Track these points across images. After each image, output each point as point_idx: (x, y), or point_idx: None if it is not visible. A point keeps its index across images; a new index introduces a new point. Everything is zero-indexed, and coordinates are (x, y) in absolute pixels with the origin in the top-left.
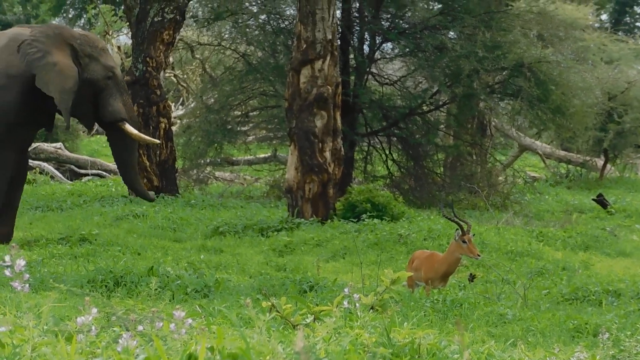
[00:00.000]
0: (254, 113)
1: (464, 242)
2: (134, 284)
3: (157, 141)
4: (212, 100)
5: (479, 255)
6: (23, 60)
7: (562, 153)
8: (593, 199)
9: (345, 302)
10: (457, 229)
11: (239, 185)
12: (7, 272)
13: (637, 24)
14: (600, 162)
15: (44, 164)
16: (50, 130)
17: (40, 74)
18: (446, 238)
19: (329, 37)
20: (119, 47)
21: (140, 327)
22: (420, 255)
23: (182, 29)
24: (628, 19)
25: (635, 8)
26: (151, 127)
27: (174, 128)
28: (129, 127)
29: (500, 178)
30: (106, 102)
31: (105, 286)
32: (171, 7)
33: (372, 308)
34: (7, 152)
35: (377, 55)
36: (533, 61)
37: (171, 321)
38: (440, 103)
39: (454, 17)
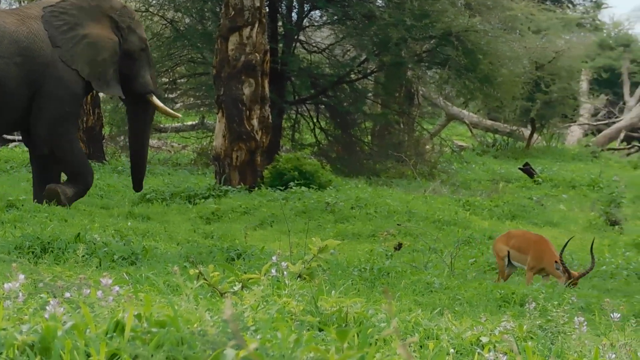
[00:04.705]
0: (182, 80)
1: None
2: (61, 251)
3: (179, 115)
4: None
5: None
6: (47, 32)
7: (489, 122)
8: (520, 168)
9: (273, 270)
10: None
11: (167, 152)
12: None
13: None
14: (527, 131)
15: None
16: None
17: (66, 47)
18: (373, 207)
19: (257, 4)
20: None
21: (67, 294)
22: (530, 237)
23: None
24: None
25: None
26: None
27: (100, 94)
28: (155, 100)
29: (427, 147)
30: (138, 73)
31: (32, 252)
32: None
33: (299, 276)
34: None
35: (306, 22)
36: (461, 30)
37: (98, 288)
38: (369, 71)
39: None
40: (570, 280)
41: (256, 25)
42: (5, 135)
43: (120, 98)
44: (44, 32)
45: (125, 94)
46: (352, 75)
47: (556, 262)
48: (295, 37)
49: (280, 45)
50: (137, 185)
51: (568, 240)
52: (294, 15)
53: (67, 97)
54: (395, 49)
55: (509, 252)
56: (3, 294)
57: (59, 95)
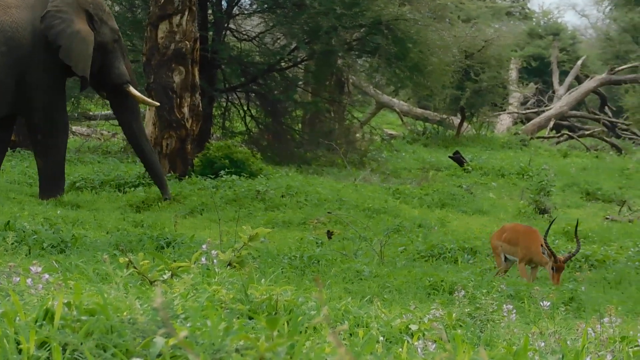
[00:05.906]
0: None
1: (552, 268)
2: None
3: (157, 103)
4: None
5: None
6: (48, 33)
7: (420, 111)
8: (450, 157)
9: (203, 259)
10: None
11: (96, 140)
12: None
13: None
14: (457, 120)
15: None
16: None
17: (65, 45)
18: (304, 195)
19: None
20: None
21: None
22: (519, 229)
23: None
24: None
25: None
26: None
27: None
28: (133, 90)
29: (358, 135)
30: (112, 64)
31: None
32: None
33: (229, 264)
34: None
35: (236, 10)
36: (391, 19)
37: (28, 276)
38: (299, 60)
39: None
40: (557, 264)
41: (186, 13)
42: None
43: (99, 93)
44: (25, 22)
45: (102, 86)
46: (283, 64)
47: (541, 245)
48: (226, 25)
49: (211, 33)
50: (163, 191)
51: (551, 222)
52: (224, 3)
53: (54, 87)
54: (325, 37)
55: (501, 246)
56: None
57: (46, 85)
